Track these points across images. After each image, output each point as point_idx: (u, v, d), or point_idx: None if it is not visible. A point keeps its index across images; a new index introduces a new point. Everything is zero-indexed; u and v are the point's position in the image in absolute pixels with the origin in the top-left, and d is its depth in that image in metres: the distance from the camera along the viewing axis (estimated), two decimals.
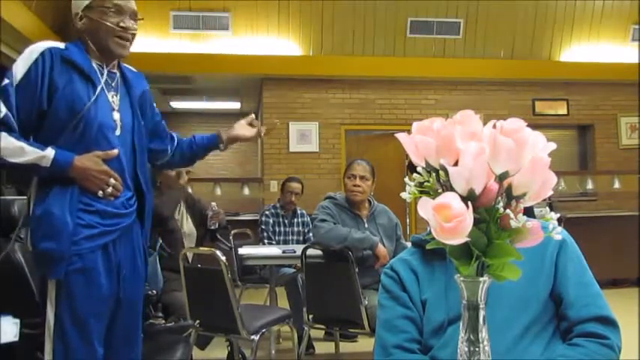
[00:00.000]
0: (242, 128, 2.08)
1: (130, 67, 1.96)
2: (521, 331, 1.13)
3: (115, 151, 1.72)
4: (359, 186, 3.21)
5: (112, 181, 1.70)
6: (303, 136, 7.11)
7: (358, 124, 7.28)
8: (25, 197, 1.82)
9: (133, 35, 1.82)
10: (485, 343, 0.81)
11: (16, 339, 1.63)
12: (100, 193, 1.69)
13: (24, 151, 1.60)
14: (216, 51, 6.85)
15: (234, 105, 8.95)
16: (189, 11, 6.79)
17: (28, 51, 1.67)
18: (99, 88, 1.73)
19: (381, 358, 1.22)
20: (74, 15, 1.78)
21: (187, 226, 3.51)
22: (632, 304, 4.97)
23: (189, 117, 9.53)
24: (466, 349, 0.81)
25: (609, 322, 1.14)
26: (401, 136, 0.85)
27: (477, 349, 0.80)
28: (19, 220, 2.32)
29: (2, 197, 3.16)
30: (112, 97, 1.78)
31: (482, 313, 0.81)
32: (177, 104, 8.88)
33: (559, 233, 0.81)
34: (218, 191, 7.11)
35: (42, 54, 1.66)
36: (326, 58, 7.08)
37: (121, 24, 1.76)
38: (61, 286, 1.64)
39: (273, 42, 6.99)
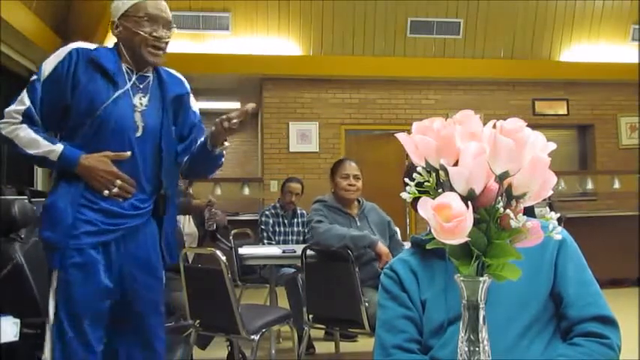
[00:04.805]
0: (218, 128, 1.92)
1: (171, 70, 1.98)
2: (521, 331, 1.13)
3: (127, 154, 1.74)
4: (354, 185, 3.28)
5: (119, 182, 1.72)
6: (303, 136, 7.11)
7: (358, 124, 7.28)
8: (25, 197, 1.84)
9: (167, 44, 1.86)
10: (485, 342, 0.81)
11: (16, 339, 1.63)
12: (106, 192, 1.71)
13: (38, 144, 1.69)
14: (216, 51, 6.85)
15: (234, 105, 8.95)
16: (189, 11, 6.79)
17: (59, 50, 1.76)
18: (121, 90, 1.76)
19: (380, 358, 1.22)
20: (111, 23, 1.84)
21: (189, 226, 3.51)
22: (632, 304, 4.97)
23: None
24: (466, 348, 0.81)
25: (609, 322, 1.14)
26: (401, 136, 0.85)
27: (477, 348, 0.80)
28: (21, 220, 2.33)
29: (2, 197, 3.16)
30: (140, 99, 1.81)
31: (482, 312, 0.81)
32: None
33: (559, 233, 0.81)
34: (218, 191, 7.11)
35: (69, 53, 1.74)
36: (326, 58, 7.08)
37: (154, 33, 1.80)
38: (61, 280, 1.68)
39: (273, 42, 6.99)
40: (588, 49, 7.50)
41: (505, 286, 0.85)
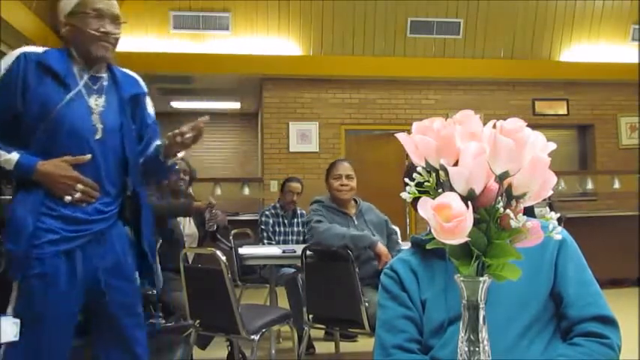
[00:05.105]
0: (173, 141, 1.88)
1: (125, 70, 1.93)
2: (521, 331, 1.13)
3: (87, 157, 1.69)
4: (346, 185, 3.32)
5: (80, 186, 1.67)
6: (303, 136, 7.11)
7: (358, 124, 7.28)
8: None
9: (116, 40, 1.80)
10: (485, 342, 0.81)
11: (16, 339, 1.62)
12: (68, 198, 1.66)
13: None
14: (216, 51, 6.85)
15: (234, 105, 8.95)
16: (189, 11, 6.79)
17: (7, 56, 1.72)
18: (73, 92, 1.72)
19: (380, 358, 1.22)
20: (59, 23, 1.78)
21: (189, 227, 3.51)
22: (632, 304, 4.97)
23: (190, 117, 9.34)
24: (466, 348, 0.81)
25: (609, 322, 1.14)
26: (401, 136, 0.85)
27: (477, 348, 0.80)
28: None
29: (2, 197, 3.17)
30: (95, 100, 1.76)
31: (482, 312, 0.81)
32: (177, 104, 8.87)
33: (559, 233, 0.81)
34: (218, 191, 7.11)
35: (17, 58, 1.70)
36: (326, 58, 7.08)
37: (102, 29, 1.75)
38: (21, 291, 1.63)
39: (273, 42, 6.99)
40: (588, 49, 7.50)
41: (505, 286, 0.84)
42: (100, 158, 1.74)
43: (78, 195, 1.67)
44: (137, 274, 1.86)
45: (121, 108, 1.81)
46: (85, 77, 1.77)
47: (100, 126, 1.74)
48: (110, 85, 1.82)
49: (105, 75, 1.83)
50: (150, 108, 1.98)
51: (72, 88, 1.72)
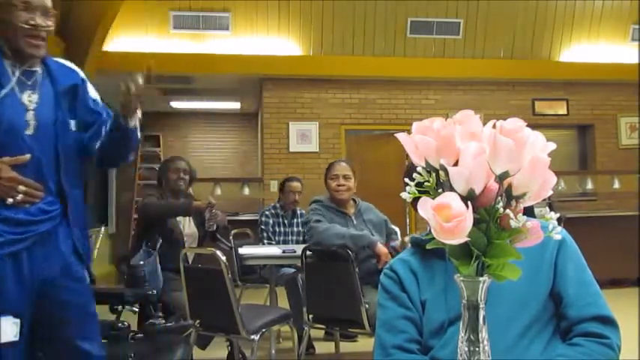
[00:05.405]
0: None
1: (61, 61, 1.86)
2: (521, 331, 1.13)
3: (26, 157, 1.62)
4: (343, 185, 3.35)
5: (22, 187, 1.61)
6: (303, 136, 7.11)
7: (358, 124, 7.28)
8: None
9: (47, 33, 1.71)
10: (485, 342, 0.81)
11: (16, 339, 1.61)
12: (10, 201, 1.60)
13: None
14: (216, 51, 6.85)
15: (234, 105, 8.95)
16: (189, 11, 6.79)
17: None
18: (7, 89, 1.65)
19: (380, 358, 1.22)
20: None
21: (189, 227, 3.51)
22: (632, 304, 4.97)
23: (189, 117, 9.53)
24: (466, 349, 0.81)
25: (609, 322, 1.15)
26: (401, 136, 0.85)
27: (476, 348, 0.80)
28: None
29: None
30: (29, 96, 1.69)
31: (482, 312, 0.81)
32: (177, 104, 8.87)
33: (559, 233, 0.81)
34: (218, 191, 7.11)
35: None
36: (326, 58, 7.08)
37: (31, 22, 1.65)
38: None
39: (273, 42, 6.99)
40: (588, 49, 7.50)
41: (505, 286, 0.84)
42: (39, 156, 1.67)
43: (20, 197, 1.61)
44: (87, 273, 1.80)
45: (56, 102, 1.74)
46: (18, 73, 1.70)
47: (33, 122, 1.67)
48: (45, 79, 1.75)
49: (39, 68, 1.75)
50: (94, 94, 1.89)
51: (4, 85, 1.65)
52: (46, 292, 1.68)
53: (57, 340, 1.71)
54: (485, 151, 0.77)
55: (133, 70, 1.89)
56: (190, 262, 3.13)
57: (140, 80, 1.73)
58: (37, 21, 1.67)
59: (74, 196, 1.78)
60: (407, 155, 0.86)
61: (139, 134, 1.86)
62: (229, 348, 3.41)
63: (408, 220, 7.09)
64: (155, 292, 2.63)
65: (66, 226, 1.74)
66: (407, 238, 3.11)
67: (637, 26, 7.46)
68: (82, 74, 1.88)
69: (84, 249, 1.80)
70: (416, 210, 0.80)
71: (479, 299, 0.81)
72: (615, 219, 6.54)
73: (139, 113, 1.81)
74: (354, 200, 3.45)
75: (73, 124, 1.79)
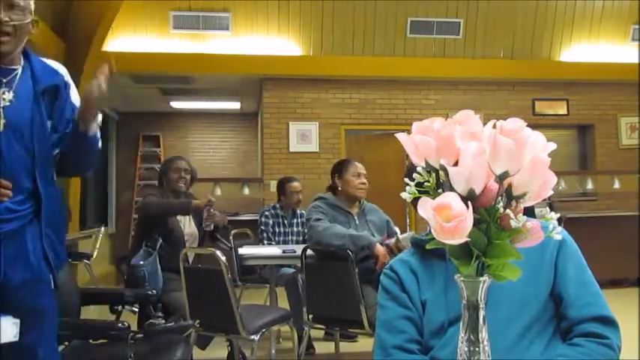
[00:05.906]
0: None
1: (48, 61, 1.82)
2: (521, 331, 1.13)
3: None
4: (365, 183, 3.40)
5: None
6: (303, 136, 7.11)
7: (358, 124, 7.28)
8: None
9: (13, 28, 1.64)
10: (485, 343, 0.81)
11: (16, 339, 1.60)
12: None
13: None
14: (216, 51, 6.85)
15: (234, 105, 8.95)
16: (189, 11, 6.78)
17: None
18: None
19: (380, 358, 1.22)
20: None
21: (189, 226, 3.51)
22: (632, 304, 4.97)
23: (189, 117, 9.53)
24: (466, 349, 0.81)
25: (609, 322, 1.15)
26: (401, 136, 0.85)
27: (477, 349, 0.80)
28: None
29: None
30: (3, 94, 1.65)
31: (482, 313, 0.81)
32: (177, 104, 8.87)
33: (559, 233, 0.81)
34: (218, 191, 7.12)
35: None
36: (326, 58, 7.08)
37: None
38: None
39: (273, 42, 6.99)
40: (588, 49, 7.49)
41: (505, 286, 0.84)
42: (10, 154, 1.63)
43: None
44: (51, 276, 1.74)
45: (35, 101, 1.70)
46: None
47: (2, 121, 1.62)
48: (25, 78, 1.71)
49: (19, 67, 1.71)
50: (75, 100, 1.84)
51: None
52: (9, 294, 1.63)
53: (15, 344, 1.65)
54: (485, 151, 0.77)
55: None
56: (190, 262, 3.13)
57: (103, 85, 1.67)
58: (1, 15, 1.61)
59: (50, 196, 1.73)
60: (407, 155, 0.86)
61: (99, 142, 1.81)
62: (229, 348, 3.41)
63: (408, 220, 7.09)
64: (155, 292, 2.64)
65: (37, 226, 1.70)
66: (400, 236, 3.10)
67: (637, 26, 7.46)
68: (67, 77, 1.83)
69: (54, 251, 1.74)
70: (416, 210, 0.80)
71: (479, 299, 0.81)
72: (615, 219, 6.54)
73: (99, 119, 1.75)
74: (358, 200, 3.46)
75: (49, 124, 1.75)
